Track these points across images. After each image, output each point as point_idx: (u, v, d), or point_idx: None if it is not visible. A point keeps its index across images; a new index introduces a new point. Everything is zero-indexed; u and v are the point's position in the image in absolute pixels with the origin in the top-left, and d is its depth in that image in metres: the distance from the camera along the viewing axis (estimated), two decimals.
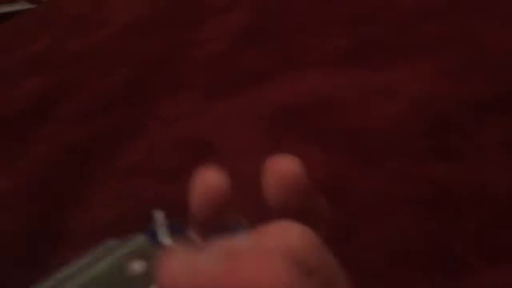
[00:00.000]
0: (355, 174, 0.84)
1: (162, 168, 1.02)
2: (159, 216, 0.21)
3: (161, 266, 0.17)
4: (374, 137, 0.91)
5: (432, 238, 0.69)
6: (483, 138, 0.84)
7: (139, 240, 0.20)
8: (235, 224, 0.21)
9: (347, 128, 0.96)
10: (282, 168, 0.21)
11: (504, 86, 0.95)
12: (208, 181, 0.21)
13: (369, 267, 0.65)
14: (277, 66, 1.26)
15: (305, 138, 0.96)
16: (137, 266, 0.19)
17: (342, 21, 1.41)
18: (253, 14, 1.63)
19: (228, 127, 1.07)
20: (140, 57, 1.59)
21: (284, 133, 0.99)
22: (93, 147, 1.19)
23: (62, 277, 0.19)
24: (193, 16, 1.78)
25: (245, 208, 0.78)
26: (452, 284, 0.63)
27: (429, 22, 1.25)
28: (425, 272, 0.64)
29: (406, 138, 0.89)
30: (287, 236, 0.18)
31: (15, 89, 1.65)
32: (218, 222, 0.21)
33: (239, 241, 0.18)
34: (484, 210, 0.71)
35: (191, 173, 0.85)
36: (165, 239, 0.20)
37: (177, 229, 0.21)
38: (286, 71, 1.22)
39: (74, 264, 0.19)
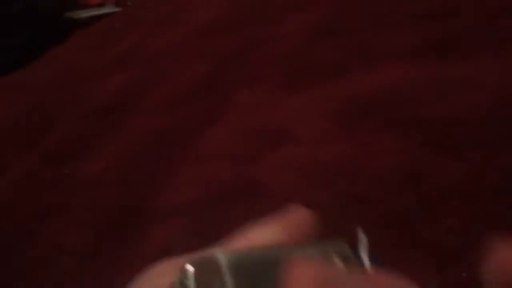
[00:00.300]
0: (435, 162, 0.83)
1: (240, 153, 1.07)
2: (362, 235, 0.20)
3: (291, 271, 0.17)
4: (454, 127, 0.90)
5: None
6: None
7: (343, 245, 0.20)
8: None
9: (426, 118, 0.95)
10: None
11: None
12: None
13: (448, 248, 0.65)
14: (354, 60, 1.27)
15: (382, 126, 0.96)
16: (339, 264, 0.19)
17: (423, 16, 1.39)
18: (329, 11, 1.65)
19: (304, 116, 1.10)
20: (219, 52, 1.66)
21: (360, 122, 1.01)
22: (176, 134, 1.27)
23: (275, 249, 0.19)
24: (270, 14, 1.83)
25: (319, 194, 0.79)
26: None
27: None
28: None
29: (488, 128, 0.87)
30: None
31: (105, 83, 1.80)
32: None
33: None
34: None
35: (268, 157, 0.90)
36: (364, 257, 0.20)
37: (376, 258, 0.20)
38: (363, 64, 1.23)
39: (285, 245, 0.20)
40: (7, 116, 1.84)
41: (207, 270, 0.18)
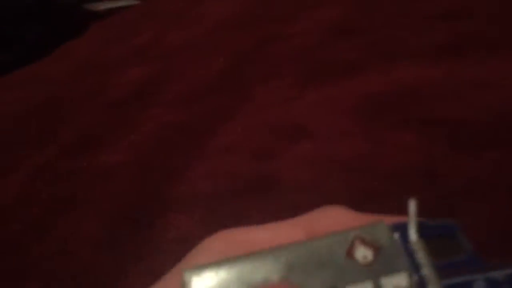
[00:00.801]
0: (451, 161, 0.84)
1: (256, 148, 1.09)
2: (413, 205, 0.17)
3: None
4: (470, 127, 0.90)
5: None
6: None
7: (380, 227, 0.17)
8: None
9: (443, 117, 0.96)
10: None
11: None
12: None
13: None
14: (369, 58, 1.28)
15: (399, 125, 0.97)
16: (361, 253, 0.16)
17: (438, 16, 1.39)
18: (345, 10, 1.66)
19: (320, 113, 1.11)
20: (234, 49, 1.68)
21: (376, 119, 1.01)
22: (192, 128, 1.28)
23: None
24: (285, 11, 1.84)
25: (333, 190, 0.81)
26: None
27: None
28: None
29: (504, 129, 0.88)
30: None
31: (121, 77, 1.82)
32: None
33: None
34: None
35: (283, 153, 0.92)
36: (412, 234, 0.16)
37: (440, 229, 0.17)
38: (379, 63, 1.23)
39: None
40: (23, 109, 1.87)
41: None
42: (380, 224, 0.17)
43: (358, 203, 0.87)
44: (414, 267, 0.16)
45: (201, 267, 0.16)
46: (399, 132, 0.95)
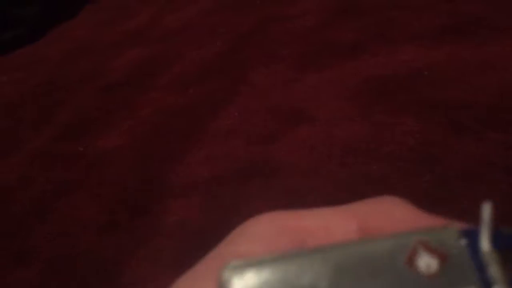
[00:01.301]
0: (452, 143, 0.83)
1: (255, 132, 1.08)
2: (487, 209, 0.15)
3: None
4: (473, 109, 0.89)
5: None
6: None
7: (448, 232, 0.14)
8: None
9: (444, 99, 0.95)
10: None
11: None
12: None
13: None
14: (371, 40, 1.26)
15: (400, 107, 0.96)
16: (425, 262, 0.14)
17: None
18: None
19: (321, 96, 1.10)
20: (233, 31, 1.65)
21: (377, 102, 1.00)
22: (190, 112, 1.27)
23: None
24: None
25: (334, 173, 0.80)
26: None
27: None
28: None
29: (505, 110, 0.87)
30: None
31: (117, 59, 1.80)
32: None
33: None
34: None
35: (283, 136, 0.90)
36: (485, 243, 0.14)
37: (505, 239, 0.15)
38: (381, 45, 1.22)
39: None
40: (18, 92, 1.85)
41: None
42: (451, 228, 0.14)
43: (358, 187, 0.86)
44: (484, 283, 0.14)
45: (241, 264, 0.14)
46: (399, 115, 0.94)
